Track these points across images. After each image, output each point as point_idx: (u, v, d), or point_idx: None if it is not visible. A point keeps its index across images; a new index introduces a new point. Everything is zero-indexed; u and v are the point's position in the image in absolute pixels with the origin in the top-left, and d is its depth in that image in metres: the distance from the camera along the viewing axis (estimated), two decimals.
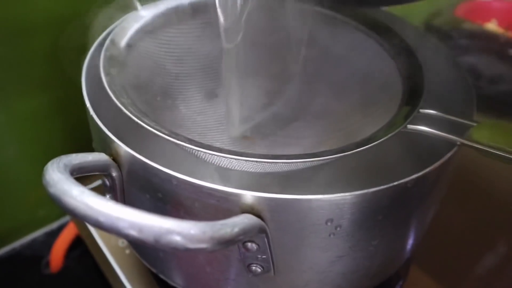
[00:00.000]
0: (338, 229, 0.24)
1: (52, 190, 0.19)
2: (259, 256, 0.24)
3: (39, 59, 0.47)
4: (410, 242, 0.31)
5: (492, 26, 0.86)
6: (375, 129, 0.29)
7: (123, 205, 0.18)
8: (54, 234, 0.59)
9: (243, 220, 0.21)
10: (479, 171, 0.46)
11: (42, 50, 0.47)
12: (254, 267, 0.25)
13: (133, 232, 0.17)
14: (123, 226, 0.17)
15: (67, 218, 0.60)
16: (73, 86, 0.50)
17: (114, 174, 0.26)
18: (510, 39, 0.77)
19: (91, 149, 0.55)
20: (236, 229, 0.20)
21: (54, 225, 0.60)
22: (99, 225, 0.18)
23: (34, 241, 0.59)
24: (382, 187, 0.23)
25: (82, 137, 0.55)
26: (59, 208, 0.60)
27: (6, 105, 0.48)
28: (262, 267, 0.25)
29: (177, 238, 0.18)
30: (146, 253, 0.33)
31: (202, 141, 0.26)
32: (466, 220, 0.44)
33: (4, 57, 0.45)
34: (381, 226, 0.26)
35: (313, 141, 0.33)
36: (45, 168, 0.21)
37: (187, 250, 0.18)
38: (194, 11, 0.39)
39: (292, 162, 0.25)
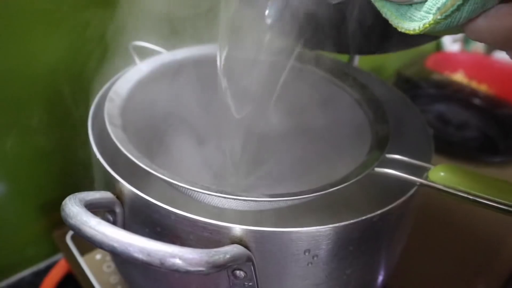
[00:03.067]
0: (315, 258, 0.28)
1: (72, 221, 0.22)
2: (246, 283, 0.28)
3: (35, 103, 0.50)
4: (381, 272, 0.35)
5: (459, 77, 0.93)
6: (347, 171, 0.33)
7: (133, 234, 0.21)
8: (41, 274, 0.60)
9: (233, 249, 0.25)
10: (445, 209, 0.50)
11: (40, 95, 0.50)
12: None
13: (142, 256, 0.21)
14: (133, 250, 0.21)
15: (55, 258, 0.61)
16: (68, 130, 0.54)
17: (117, 210, 0.29)
18: (474, 90, 0.84)
19: (81, 190, 0.58)
20: (227, 256, 0.23)
21: (42, 265, 0.61)
22: (113, 250, 0.21)
23: (21, 281, 0.59)
24: (351, 221, 0.27)
25: (73, 178, 0.58)
26: (48, 248, 0.61)
27: (12, 144, 0.50)
28: None
29: (179, 262, 0.21)
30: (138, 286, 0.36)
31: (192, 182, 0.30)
32: (435, 253, 0.48)
33: (1, 99, 0.48)
34: (353, 256, 0.30)
35: (293, 182, 0.37)
36: (64, 202, 0.24)
37: (187, 272, 0.21)
38: (186, 66, 0.44)
39: (274, 201, 0.29)
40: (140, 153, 0.32)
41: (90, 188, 0.59)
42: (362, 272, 0.32)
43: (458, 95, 0.81)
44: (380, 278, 0.35)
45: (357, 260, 0.30)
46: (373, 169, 0.32)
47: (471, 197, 0.30)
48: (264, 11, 0.33)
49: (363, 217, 0.28)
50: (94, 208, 0.27)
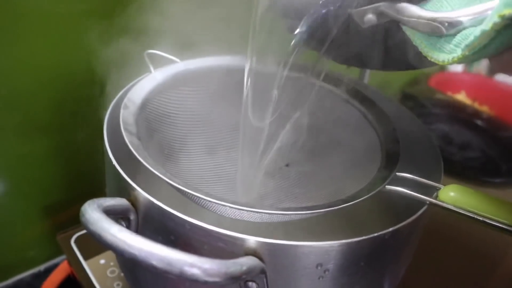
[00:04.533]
0: (327, 272, 0.28)
1: (92, 227, 0.22)
2: None
3: (44, 105, 0.51)
4: (391, 283, 0.35)
5: (461, 97, 0.94)
6: (357, 188, 0.33)
7: (154, 242, 0.22)
8: (41, 276, 0.60)
9: (248, 261, 0.25)
10: (445, 226, 0.51)
11: (49, 98, 0.51)
12: None
13: (162, 265, 0.21)
14: (154, 259, 0.21)
15: (55, 260, 0.62)
16: (75, 133, 0.54)
17: (131, 217, 0.30)
18: (477, 110, 0.85)
19: (85, 193, 0.58)
20: (244, 268, 0.24)
21: (42, 267, 0.61)
22: (134, 258, 0.21)
23: (20, 282, 0.59)
24: (363, 237, 0.28)
25: (76, 181, 0.58)
26: (49, 250, 0.61)
27: (5, 146, 0.51)
28: None
29: (197, 272, 0.22)
30: None
31: (206, 192, 0.30)
32: (436, 268, 0.48)
33: (7, 100, 0.48)
34: (363, 271, 0.30)
35: (303, 197, 0.38)
36: (83, 208, 0.24)
37: (205, 283, 0.22)
38: (198, 76, 0.45)
39: (288, 214, 0.30)
40: (155, 161, 0.33)
41: (96, 192, 0.60)
42: (371, 286, 0.32)
43: (461, 116, 0.82)
44: None
45: (366, 275, 0.31)
46: (384, 187, 0.33)
47: (480, 218, 0.31)
48: (293, 25, 0.34)
49: (376, 234, 0.28)
50: (109, 214, 0.28)
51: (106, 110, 0.38)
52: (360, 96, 0.43)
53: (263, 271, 0.26)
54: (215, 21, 0.47)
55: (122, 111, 0.37)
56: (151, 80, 0.42)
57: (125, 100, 0.38)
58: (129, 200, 0.30)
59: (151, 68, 0.43)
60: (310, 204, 0.32)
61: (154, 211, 0.29)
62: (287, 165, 0.45)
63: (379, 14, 0.29)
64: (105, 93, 0.45)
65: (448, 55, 0.24)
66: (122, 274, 0.45)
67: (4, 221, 0.55)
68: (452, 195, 0.32)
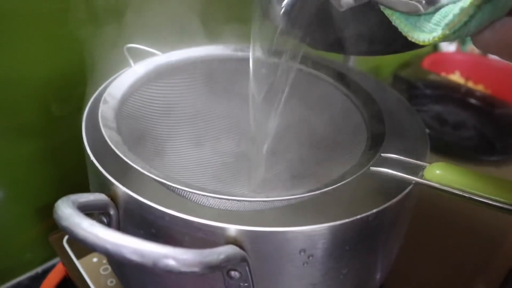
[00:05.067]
0: (311, 258, 0.28)
1: (64, 223, 0.22)
2: (241, 284, 0.27)
3: (30, 108, 0.50)
4: (377, 272, 0.34)
5: (455, 77, 0.93)
6: (343, 171, 0.33)
7: (126, 235, 0.21)
8: (38, 279, 0.59)
9: (227, 250, 0.24)
10: (441, 208, 0.50)
11: (34, 98, 0.50)
12: None
13: (135, 257, 0.21)
14: (126, 252, 0.21)
15: (52, 262, 0.61)
16: (63, 134, 0.54)
17: (111, 212, 0.29)
18: (471, 89, 0.84)
19: (76, 193, 0.57)
20: (221, 256, 0.23)
21: (39, 269, 0.61)
22: (106, 252, 0.21)
23: (18, 286, 0.59)
24: (346, 220, 0.27)
25: (71, 182, 0.58)
26: (45, 251, 0.61)
27: (4, 149, 0.50)
28: None
29: (172, 262, 0.21)
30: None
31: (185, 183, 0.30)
32: (432, 252, 0.47)
33: (5, 104, 0.47)
34: (349, 256, 0.29)
35: (289, 182, 0.37)
36: (56, 205, 0.24)
37: (181, 273, 0.21)
38: (180, 68, 0.44)
39: (270, 201, 0.29)
40: (135, 155, 0.32)
41: (86, 191, 0.59)
42: (359, 272, 0.32)
43: (455, 95, 0.81)
44: (377, 278, 0.35)
45: (353, 259, 0.30)
46: (368, 168, 0.32)
47: (466, 195, 0.30)
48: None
49: (358, 216, 0.27)
50: (88, 210, 0.27)
51: (85, 106, 0.38)
52: (345, 79, 0.42)
53: (244, 259, 0.26)
54: (194, 11, 0.47)
55: (101, 106, 0.36)
56: (132, 74, 0.41)
57: (105, 95, 0.38)
58: (108, 195, 0.30)
59: (131, 62, 0.42)
60: (295, 189, 0.32)
61: (133, 205, 0.28)
62: (273, 151, 0.44)
63: None
64: (86, 90, 0.44)
65: (428, 34, 0.24)
66: None
67: (1, 225, 0.55)
68: (438, 173, 0.31)
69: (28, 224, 0.57)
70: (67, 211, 0.23)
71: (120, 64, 0.43)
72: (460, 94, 0.81)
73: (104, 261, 0.47)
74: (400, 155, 0.34)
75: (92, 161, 0.31)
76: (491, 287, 0.46)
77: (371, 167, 0.32)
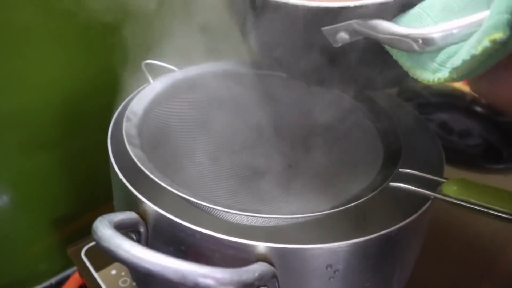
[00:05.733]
0: (337, 273, 0.29)
1: (106, 244, 0.23)
2: None
3: (47, 120, 0.51)
4: (397, 284, 0.35)
5: (459, 85, 0.94)
6: (361, 186, 0.34)
7: (166, 255, 0.22)
8: None
9: (260, 267, 0.25)
10: (455, 222, 0.51)
11: (54, 110, 0.51)
12: None
13: (177, 278, 0.22)
14: (168, 272, 0.22)
15: (65, 272, 0.62)
16: (78, 145, 0.55)
17: (141, 230, 0.30)
18: (476, 97, 0.85)
19: (92, 204, 0.59)
20: (256, 274, 0.24)
21: (53, 280, 0.62)
22: (148, 273, 0.22)
23: None
24: (371, 236, 0.28)
25: (86, 193, 0.59)
26: (60, 262, 0.62)
27: (10, 162, 0.51)
28: None
29: (211, 282, 0.22)
30: None
31: (214, 201, 0.31)
32: (447, 265, 0.48)
33: (10, 116, 0.48)
34: (372, 269, 0.30)
35: (309, 198, 0.38)
36: (95, 226, 0.25)
37: None
38: (198, 83, 0.45)
39: (296, 217, 0.30)
40: (161, 173, 0.33)
41: (103, 202, 0.60)
42: (380, 284, 0.33)
43: (460, 103, 0.82)
44: None
45: (376, 272, 0.31)
46: (388, 184, 0.33)
47: (484, 210, 0.31)
48: None
49: (382, 232, 0.29)
50: (121, 228, 0.28)
51: (108, 123, 0.39)
52: (359, 93, 0.43)
53: (274, 276, 0.27)
54: (209, 28, 0.48)
55: (124, 123, 0.37)
56: (151, 91, 0.42)
57: (127, 112, 0.39)
58: (138, 213, 0.31)
59: (150, 79, 0.43)
60: (315, 204, 0.33)
61: (164, 223, 0.29)
62: (290, 166, 0.45)
63: (352, 31, 0.28)
64: (107, 106, 0.45)
65: (432, 74, 0.23)
66: (134, 284, 0.46)
67: (14, 236, 0.55)
68: (456, 188, 0.32)
69: (43, 234, 0.58)
70: (107, 233, 0.23)
71: (138, 78, 0.44)
72: (465, 102, 0.81)
73: (123, 273, 0.47)
74: (416, 169, 0.35)
75: (121, 180, 0.32)
76: None
77: (390, 183, 0.33)
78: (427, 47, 0.23)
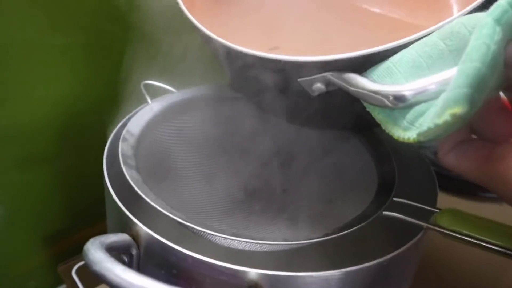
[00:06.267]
0: None
1: (97, 268, 0.23)
2: None
3: (40, 136, 0.51)
4: None
5: None
6: (355, 214, 0.34)
7: (158, 281, 0.22)
8: None
9: None
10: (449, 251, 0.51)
11: (48, 127, 0.51)
12: None
13: None
14: None
15: None
16: (72, 163, 0.55)
17: (133, 252, 0.30)
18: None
19: (85, 222, 0.58)
20: None
21: None
22: None
23: None
24: (363, 265, 0.28)
25: (76, 210, 0.58)
26: (50, 279, 0.60)
27: (4, 177, 0.51)
28: None
29: None
30: None
31: (207, 225, 0.31)
32: None
33: (5, 132, 0.48)
34: None
35: (302, 224, 0.38)
36: (86, 248, 0.25)
37: None
38: (194, 105, 0.45)
39: (289, 244, 0.30)
40: (155, 195, 0.33)
41: (96, 220, 0.60)
42: None
43: None
44: None
45: None
46: (381, 213, 0.33)
47: (475, 241, 0.31)
48: None
49: (375, 262, 0.29)
50: (112, 251, 0.28)
51: (105, 142, 0.39)
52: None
53: None
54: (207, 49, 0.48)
55: (120, 144, 0.37)
56: (149, 111, 0.42)
57: (124, 132, 0.39)
58: (130, 234, 0.30)
59: (148, 99, 0.44)
60: (309, 230, 0.33)
61: (156, 246, 0.29)
62: (284, 191, 0.45)
63: (327, 83, 0.29)
64: (103, 124, 0.46)
65: (403, 132, 0.24)
66: None
67: (4, 252, 0.55)
68: (448, 219, 0.32)
69: (35, 251, 0.58)
70: (98, 256, 0.23)
71: (137, 97, 0.45)
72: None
73: None
74: (410, 199, 0.35)
75: (115, 201, 0.32)
76: None
77: (383, 212, 0.33)
78: (398, 103, 0.24)
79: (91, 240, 0.26)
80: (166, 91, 0.46)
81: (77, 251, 0.51)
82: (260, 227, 0.41)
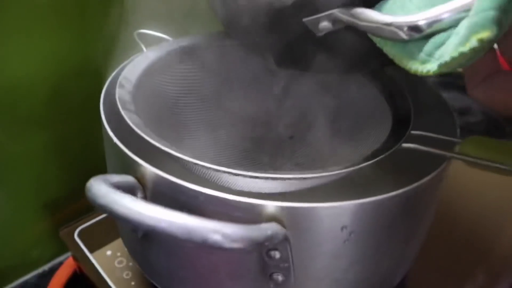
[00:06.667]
0: (352, 235, 0.27)
1: (102, 201, 0.21)
2: (281, 264, 0.26)
3: (35, 99, 0.48)
4: (409, 254, 0.34)
5: None
6: (373, 149, 0.32)
7: (172, 209, 0.20)
8: (46, 276, 0.58)
9: (271, 226, 0.23)
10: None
11: (39, 88, 0.48)
12: (275, 276, 0.27)
13: (183, 234, 0.19)
14: (174, 228, 0.19)
15: (59, 258, 0.60)
16: (69, 126, 0.52)
17: (138, 195, 0.28)
18: None
19: (83, 190, 0.56)
20: (269, 232, 0.22)
21: (46, 266, 0.59)
22: (152, 230, 0.19)
23: (25, 284, 0.57)
24: (391, 193, 0.26)
25: (74, 176, 0.56)
26: (52, 248, 0.59)
27: (3, 143, 0.48)
28: (284, 276, 0.27)
29: (220, 238, 0.20)
30: (160, 274, 0.34)
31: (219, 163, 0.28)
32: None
33: (3, 96, 0.46)
34: (388, 232, 0.28)
35: (318, 164, 0.36)
36: (89, 184, 0.22)
37: (227, 250, 0.20)
38: (192, 53, 0.43)
39: (306, 178, 0.28)
40: (158, 137, 0.31)
41: None
42: (395, 250, 0.31)
43: (458, 81, 0.81)
44: (410, 258, 0.34)
45: (391, 237, 0.29)
46: (400, 145, 0.31)
47: (503, 167, 0.29)
48: None
49: (402, 190, 0.27)
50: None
51: (100, 90, 0.36)
52: None
53: (286, 238, 0.25)
54: None
55: (118, 89, 0.35)
56: (145, 59, 0.40)
57: (120, 78, 0.36)
58: (135, 177, 0.28)
59: (143, 48, 0.41)
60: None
61: (164, 186, 0.27)
62: (291, 137, 0.43)
63: (334, 20, 0.28)
64: (98, 84, 0.43)
65: (421, 65, 0.23)
66: (130, 264, 0.44)
67: (3, 223, 0.53)
68: (474, 146, 0.31)
69: (35, 220, 0.56)
70: (103, 189, 0.21)
71: (131, 50, 0.42)
72: (463, 79, 0.80)
73: (119, 253, 0.45)
74: (429, 132, 0.33)
75: (115, 145, 0.30)
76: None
77: (403, 144, 0.31)
78: (414, 34, 0.23)
79: (94, 177, 0.23)
80: (160, 40, 0.43)
81: (77, 217, 0.50)
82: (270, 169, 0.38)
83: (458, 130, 0.35)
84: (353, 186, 0.30)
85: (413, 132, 0.33)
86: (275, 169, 0.40)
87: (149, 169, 0.27)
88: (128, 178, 0.27)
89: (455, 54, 0.20)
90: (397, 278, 0.34)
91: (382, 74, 0.40)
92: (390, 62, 0.33)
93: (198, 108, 0.42)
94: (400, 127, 0.34)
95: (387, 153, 0.30)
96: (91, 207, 0.52)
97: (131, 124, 0.31)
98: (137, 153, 0.29)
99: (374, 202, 0.26)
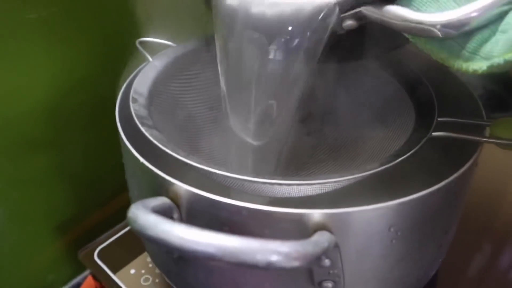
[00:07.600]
0: (399, 233, 0.26)
1: (152, 232, 0.20)
2: (331, 271, 0.26)
3: (36, 120, 0.47)
4: (449, 239, 0.33)
5: None
6: (398, 143, 0.31)
7: (216, 232, 0.19)
8: None
9: (323, 237, 0.22)
10: None
11: (40, 109, 0.47)
12: (325, 284, 0.26)
13: (249, 260, 0.18)
14: (239, 255, 0.18)
15: (76, 280, 0.59)
16: (73, 146, 0.51)
17: (175, 216, 0.27)
18: None
19: (94, 205, 0.55)
20: (325, 244, 0.21)
21: None
22: (211, 258, 0.19)
23: None
24: (433, 188, 0.25)
25: (83, 195, 0.55)
26: (68, 271, 0.58)
27: (7, 167, 0.47)
28: (334, 282, 0.26)
29: (279, 258, 0.19)
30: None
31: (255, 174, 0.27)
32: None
33: (5, 119, 0.44)
34: (431, 225, 0.28)
35: (346, 161, 0.36)
36: (132, 214, 0.21)
37: (286, 269, 0.19)
38: (196, 57, 0.42)
39: (341, 181, 0.27)
40: (183, 151, 0.30)
41: (107, 202, 0.56)
42: (436, 242, 0.30)
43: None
44: (445, 249, 0.34)
45: (434, 228, 0.29)
46: (430, 134, 0.30)
47: None
48: None
49: (443, 183, 0.26)
50: None
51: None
52: None
53: (336, 245, 0.24)
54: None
55: (132, 105, 0.34)
56: (152, 68, 0.38)
57: (132, 93, 0.35)
58: (168, 197, 0.27)
59: (148, 57, 0.40)
60: (351, 168, 0.30)
61: (202, 204, 0.26)
62: (308, 134, 0.42)
63: (360, 18, 0.27)
64: (99, 98, 0.41)
65: (465, 63, 0.22)
66: (157, 280, 0.43)
67: (15, 249, 0.52)
68: (505, 128, 0.30)
69: (47, 243, 0.55)
70: (151, 219, 0.20)
71: (134, 60, 0.41)
72: None
73: (143, 271, 0.44)
74: (455, 117, 0.33)
75: (142, 164, 0.28)
76: None
77: (433, 133, 0.31)
78: (450, 32, 0.21)
79: (134, 205, 0.22)
80: (162, 47, 0.42)
81: (91, 236, 0.49)
82: (293, 174, 0.38)
83: (484, 113, 0.34)
84: (392, 182, 0.30)
85: (439, 119, 0.32)
86: (297, 168, 0.39)
87: (183, 188, 0.26)
88: (164, 200, 0.26)
89: (501, 61, 0.20)
90: (433, 269, 0.34)
91: (395, 60, 0.39)
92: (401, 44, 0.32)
93: (211, 114, 0.41)
94: (425, 115, 0.33)
95: (420, 144, 0.29)
96: (102, 224, 0.51)
97: (155, 142, 0.29)
98: (166, 171, 0.28)
99: (419, 198, 0.25)
